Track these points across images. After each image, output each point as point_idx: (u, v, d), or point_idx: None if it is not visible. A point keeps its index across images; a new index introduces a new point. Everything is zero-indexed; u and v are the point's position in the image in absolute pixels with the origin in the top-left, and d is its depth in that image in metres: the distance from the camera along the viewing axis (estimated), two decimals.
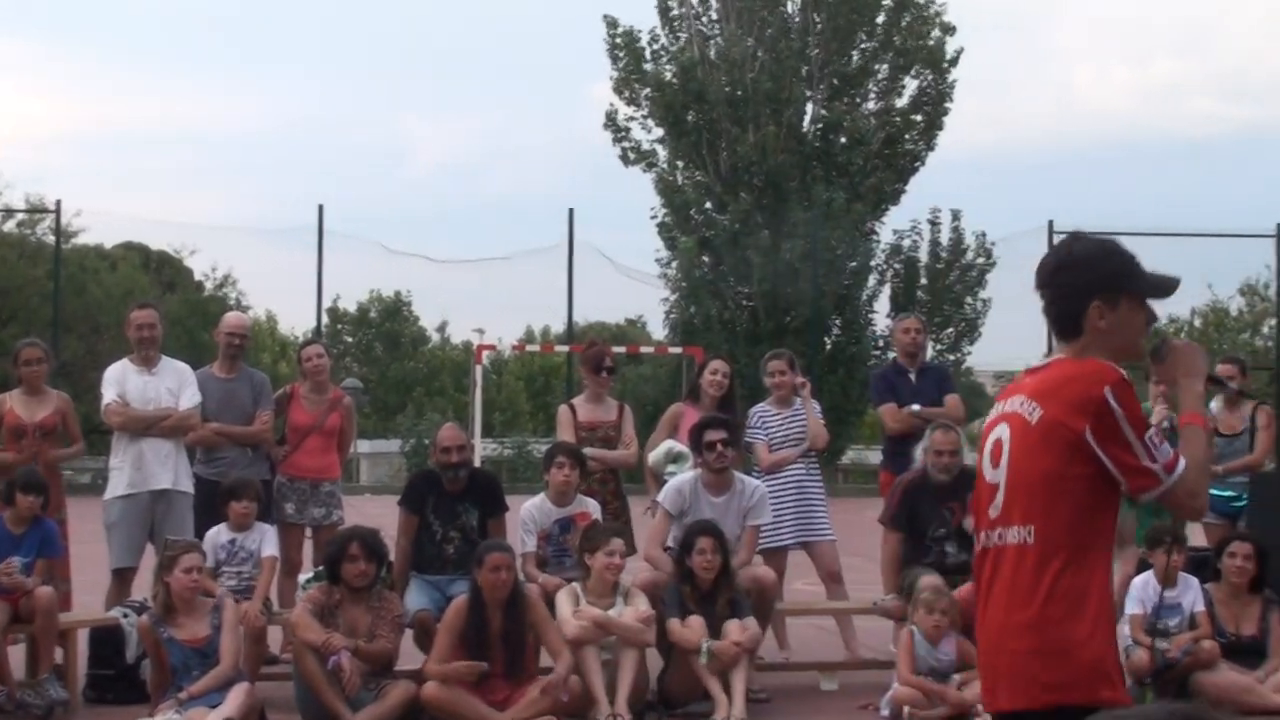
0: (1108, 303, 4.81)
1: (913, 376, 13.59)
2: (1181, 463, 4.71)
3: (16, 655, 11.44)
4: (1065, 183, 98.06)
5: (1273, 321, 40.92)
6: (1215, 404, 13.60)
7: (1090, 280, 4.83)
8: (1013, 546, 4.79)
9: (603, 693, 10.65)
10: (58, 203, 35.10)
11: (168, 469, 12.35)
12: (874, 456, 36.92)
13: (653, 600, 11.21)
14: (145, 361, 12.48)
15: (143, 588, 11.91)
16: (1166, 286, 4.94)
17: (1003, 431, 4.88)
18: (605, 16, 41.18)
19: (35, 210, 39.41)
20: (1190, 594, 11.55)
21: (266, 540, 11.90)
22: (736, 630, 10.98)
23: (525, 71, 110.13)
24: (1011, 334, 36.92)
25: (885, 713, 11.01)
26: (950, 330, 39.44)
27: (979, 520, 4.98)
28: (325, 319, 41.65)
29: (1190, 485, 4.73)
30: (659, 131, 40.81)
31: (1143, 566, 11.99)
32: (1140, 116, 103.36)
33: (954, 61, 41.51)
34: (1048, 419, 4.74)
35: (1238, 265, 38.54)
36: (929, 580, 11.39)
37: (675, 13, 41.44)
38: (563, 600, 11.07)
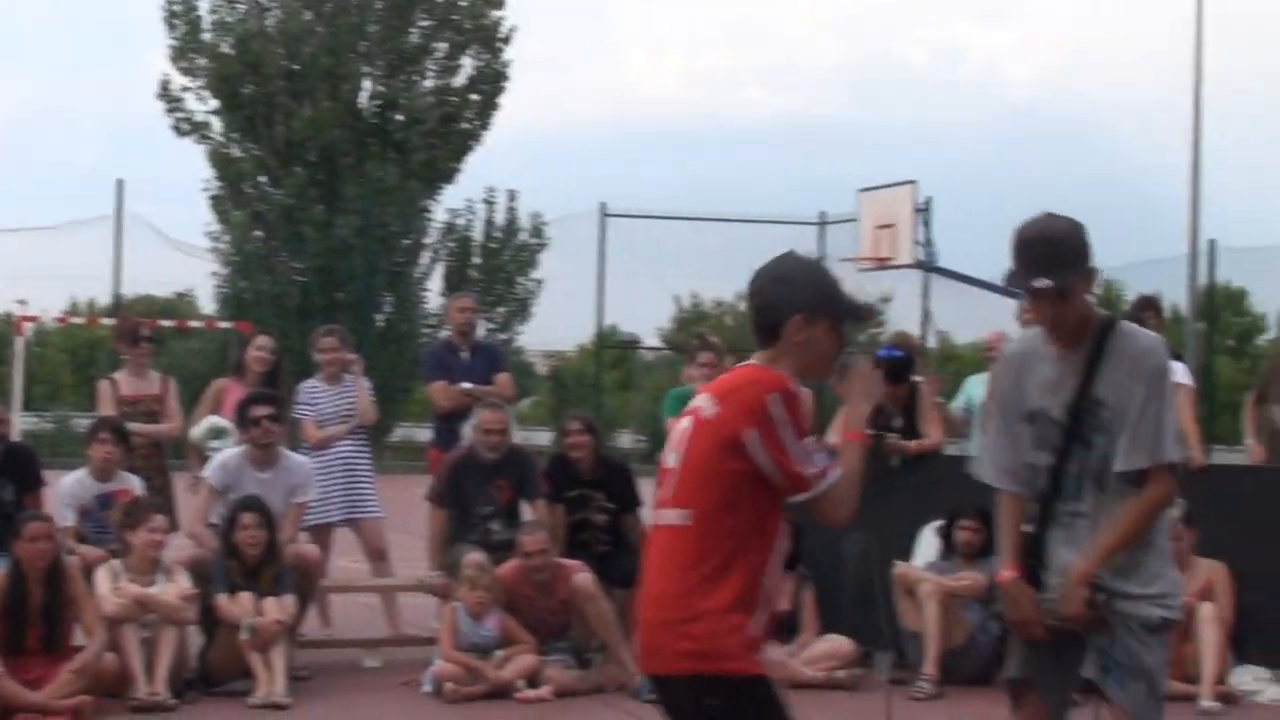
0: (808, 320, 5.14)
1: (465, 355, 13.71)
2: (833, 474, 5.09)
3: None
4: (619, 166, 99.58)
5: None
6: None
7: (797, 296, 5.16)
8: (672, 526, 5.13)
9: (140, 670, 10.47)
10: None
11: None
12: (423, 434, 36.94)
13: (197, 577, 11.09)
14: None
15: None
16: (861, 314, 5.38)
17: (687, 423, 5.21)
18: None
19: None
20: None
21: None
22: (276, 607, 10.93)
23: (76, 37, 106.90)
24: (563, 315, 37.30)
25: (427, 689, 11.09)
26: (502, 309, 39.69)
27: (655, 501, 5.28)
28: None
29: (837, 495, 5.11)
30: (214, 103, 40.15)
31: None
32: (693, 103, 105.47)
33: (507, 40, 41.80)
34: (718, 417, 5.09)
35: (782, 251, 39.57)
36: (473, 557, 11.50)
37: None
38: (102, 577, 10.85)
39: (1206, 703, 10.87)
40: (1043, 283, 5.62)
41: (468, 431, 12.48)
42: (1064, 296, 5.68)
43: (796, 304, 5.16)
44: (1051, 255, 5.66)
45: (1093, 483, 5.77)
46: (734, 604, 5.00)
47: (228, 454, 11.94)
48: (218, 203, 39.99)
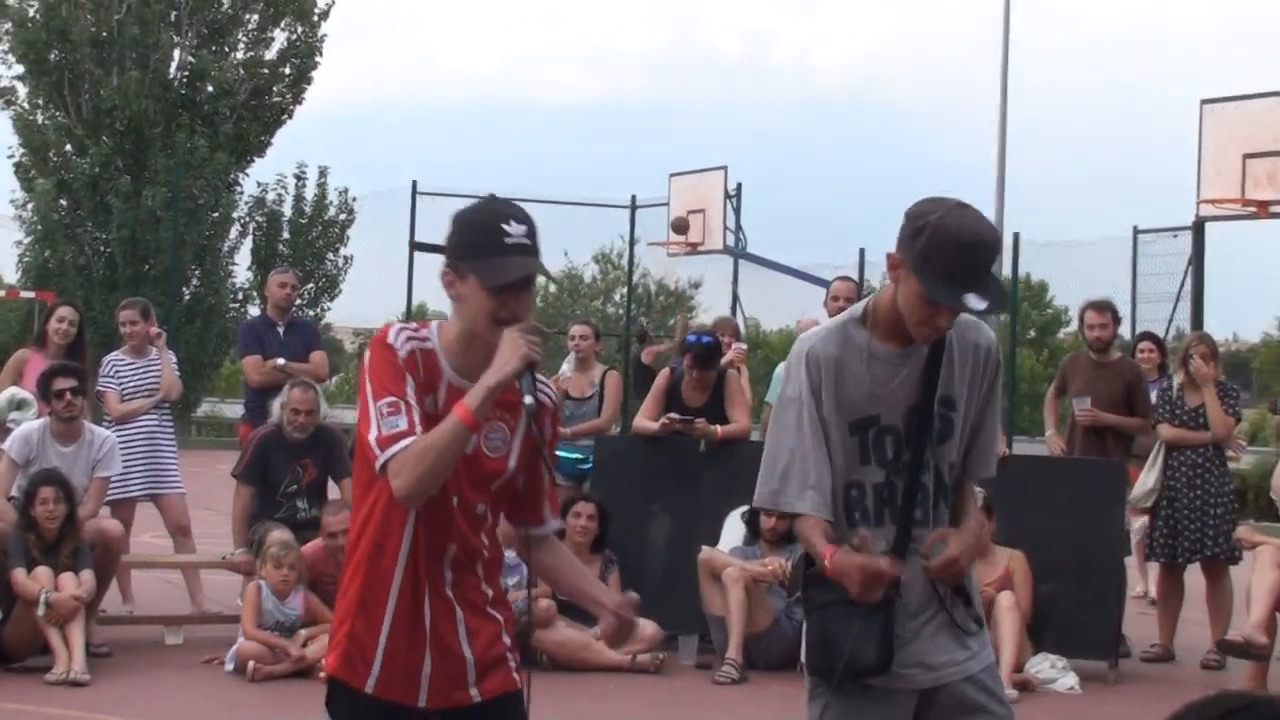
0: (457, 273, 4.43)
1: (281, 330, 13.66)
2: (403, 443, 4.28)
3: None
4: (432, 144, 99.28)
5: (624, 290, 42.44)
6: (566, 365, 14.04)
7: (448, 246, 4.49)
8: None
9: None
10: None
11: None
12: (230, 409, 36.66)
13: None
14: None
15: None
16: (494, 274, 4.38)
17: None
18: None
19: None
20: None
21: None
22: (73, 583, 10.78)
23: None
24: (371, 291, 37.14)
25: (230, 667, 11.00)
26: (311, 286, 39.43)
27: None
28: None
29: (397, 465, 4.27)
30: (19, 69, 39.50)
31: None
32: (506, 84, 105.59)
33: (325, 15, 41.51)
34: None
35: (594, 234, 39.81)
36: (278, 535, 11.44)
37: None
38: None
39: (1004, 691, 11.04)
40: (982, 305, 4.58)
41: (276, 409, 12.40)
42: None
43: (448, 254, 4.48)
44: (989, 265, 4.66)
45: (939, 499, 4.90)
46: (342, 598, 4.61)
47: (29, 426, 11.75)
48: (22, 170, 39.34)
